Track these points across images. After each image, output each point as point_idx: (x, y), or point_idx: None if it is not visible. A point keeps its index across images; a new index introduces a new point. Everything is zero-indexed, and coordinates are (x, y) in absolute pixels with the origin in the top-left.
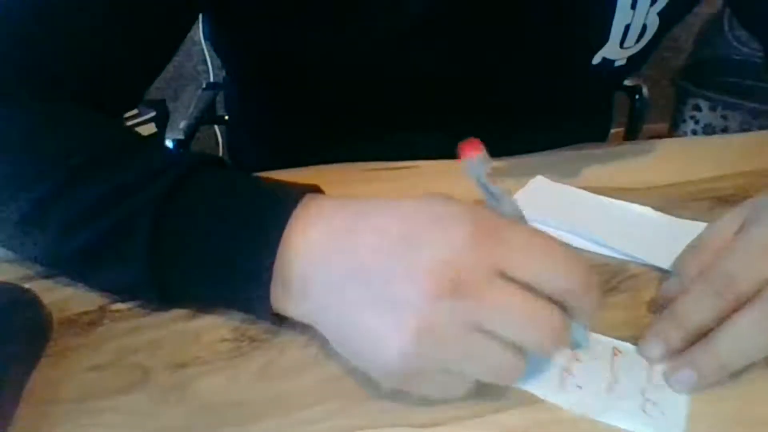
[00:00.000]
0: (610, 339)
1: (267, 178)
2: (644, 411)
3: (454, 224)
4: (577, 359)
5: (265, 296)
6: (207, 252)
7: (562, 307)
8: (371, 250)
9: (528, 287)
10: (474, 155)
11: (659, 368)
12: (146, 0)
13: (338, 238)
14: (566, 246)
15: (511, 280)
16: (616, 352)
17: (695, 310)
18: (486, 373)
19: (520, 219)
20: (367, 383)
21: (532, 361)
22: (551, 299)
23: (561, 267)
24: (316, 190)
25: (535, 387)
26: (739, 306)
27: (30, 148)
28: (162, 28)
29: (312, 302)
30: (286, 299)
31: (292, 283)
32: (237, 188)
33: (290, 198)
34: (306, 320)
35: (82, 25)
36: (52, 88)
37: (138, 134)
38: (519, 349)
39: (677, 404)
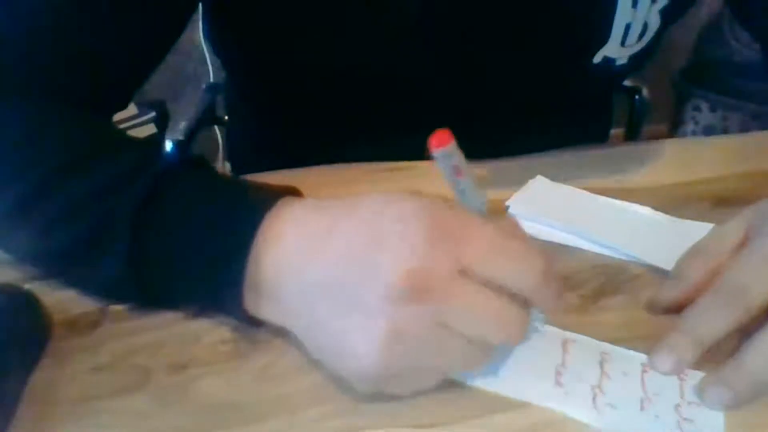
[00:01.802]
0: (638, 354)
1: (245, 180)
2: (681, 429)
3: (414, 226)
4: (607, 376)
5: (239, 300)
6: (182, 256)
7: (523, 300)
8: (338, 257)
9: (489, 284)
10: (439, 149)
11: (690, 383)
12: None
13: (310, 244)
14: (524, 241)
15: (473, 276)
16: (645, 368)
17: (707, 322)
18: (455, 366)
19: (481, 212)
20: None
21: (564, 381)
22: (512, 294)
23: (518, 264)
24: (293, 192)
25: (566, 406)
26: (749, 317)
27: (14, 144)
28: (154, 27)
29: (284, 307)
30: (259, 303)
31: (264, 288)
32: (213, 191)
33: (264, 202)
34: (280, 324)
35: (69, 22)
36: (38, 87)
37: (122, 133)
38: (485, 342)
39: (713, 420)
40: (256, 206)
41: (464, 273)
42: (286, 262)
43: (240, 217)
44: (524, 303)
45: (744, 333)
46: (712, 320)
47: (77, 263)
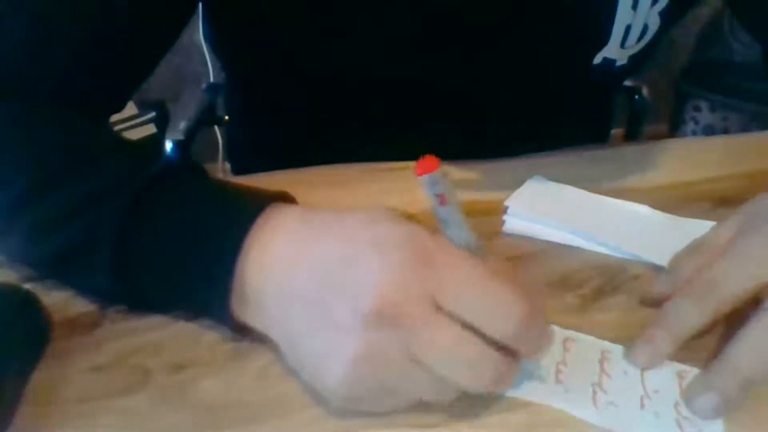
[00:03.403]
0: None
1: (235, 185)
2: (680, 427)
3: (392, 251)
4: (607, 374)
5: (225, 308)
6: (169, 263)
7: (504, 346)
8: (316, 272)
9: (466, 323)
10: (424, 176)
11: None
12: (133, 1)
13: (292, 255)
14: (509, 283)
15: (448, 312)
16: None
17: (680, 316)
18: (425, 395)
19: (467, 246)
20: None
21: (564, 379)
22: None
23: (495, 306)
24: (284, 197)
25: (566, 404)
26: (724, 311)
27: (7, 147)
28: (152, 28)
29: (266, 316)
30: (244, 311)
31: (249, 296)
32: (201, 198)
33: (253, 209)
34: (263, 331)
35: (66, 25)
36: (33, 89)
37: (118, 136)
38: (452, 383)
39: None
40: (244, 213)
41: (440, 307)
42: (269, 271)
43: (228, 223)
44: (508, 348)
45: (729, 326)
46: (685, 314)
47: (68, 268)
